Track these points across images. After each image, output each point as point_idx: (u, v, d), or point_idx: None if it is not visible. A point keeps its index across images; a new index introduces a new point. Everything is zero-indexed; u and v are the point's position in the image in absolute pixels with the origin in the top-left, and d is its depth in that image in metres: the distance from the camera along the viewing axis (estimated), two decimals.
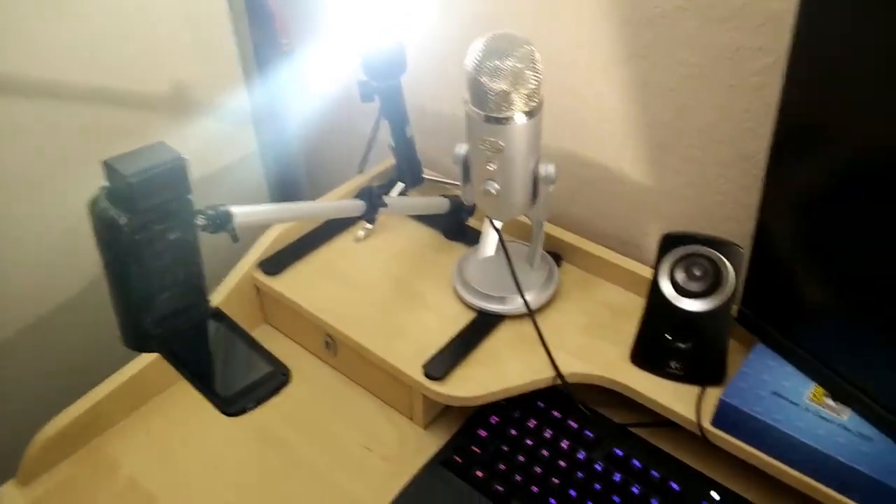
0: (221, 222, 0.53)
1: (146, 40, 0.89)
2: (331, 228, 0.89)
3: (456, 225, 0.88)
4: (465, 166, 0.70)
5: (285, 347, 0.84)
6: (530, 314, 0.73)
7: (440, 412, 0.75)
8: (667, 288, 0.66)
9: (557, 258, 0.83)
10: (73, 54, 0.83)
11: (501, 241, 0.75)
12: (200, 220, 0.51)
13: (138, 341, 0.50)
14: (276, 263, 0.83)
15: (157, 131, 0.94)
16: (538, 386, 0.70)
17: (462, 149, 0.70)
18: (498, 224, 0.77)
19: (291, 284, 0.81)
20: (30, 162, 0.82)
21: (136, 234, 0.46)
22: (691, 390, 0.67)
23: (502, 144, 0.65)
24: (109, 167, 0.45)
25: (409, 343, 0.73)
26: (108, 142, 0.88)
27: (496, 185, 0.68)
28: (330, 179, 1.04)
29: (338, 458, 0.71)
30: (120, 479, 0.70)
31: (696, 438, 0.65)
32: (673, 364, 0.67)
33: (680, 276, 0.66)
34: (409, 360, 0.71)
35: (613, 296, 0.79)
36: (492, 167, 0.67)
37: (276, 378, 0.47)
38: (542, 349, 0.72)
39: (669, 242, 0.65)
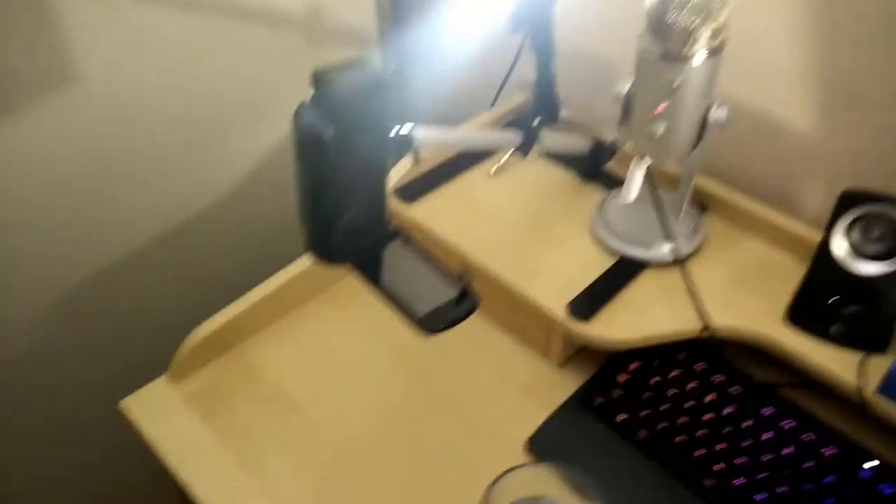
0: (410, 140, 0.52)
1: None
2: (462, 162, 0.88)
3: (593, 167, 0.85)
4: (627, 106, 0.68)
5: None
6: (678, 262, 0.71)
7: (574, 353, 0.74)
8: (840, 248, 0.63)
9: (702, 208, 0.80)
10: None
11: (652, 184, 0.73)
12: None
13: (326, 253, 0.50)
14: (411, 191, 0.83)
15: (290, 54, 0.93)
16: (685, 336, 0.68)
17: (626, 86, 0.67)
18: (645, 167, 0.75)
19: (427, 213, 0.81)
20: (165, 71, 0.83)
21: (337, 147, 0.45)
22: (851, 356, 0.64)
23: (677, 83, 0.62)
24: (319, 77, 0.45)
25: (549, 281, 0.72)
26: (242, 55, 0.88)
27: (663, 126, 0.65)
28: (455, 113, 1.02)
29: (475, 388, 0.72)
30: (265, 385, 0.73)
31: (849, 406, 0.63)
32: (835, 327, 0.64)
33: (855, 237, 0.63)
34: (551, 297, 0.70)
35: (763, 252, 0.76)
36: (661, 107, 0.64)
37: (467, 301, 0.47)
38: (687, 300, 0.70)
39: (849, 200, 0.62)
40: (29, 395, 0.87)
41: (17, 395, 0.85)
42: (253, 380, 0.73)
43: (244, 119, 0.93)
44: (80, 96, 0.75)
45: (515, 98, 0.95)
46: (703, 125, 0.66)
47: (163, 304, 0.95)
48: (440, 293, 0.47)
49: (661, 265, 0.74)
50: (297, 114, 0.46)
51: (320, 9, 0.95)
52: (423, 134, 0.54)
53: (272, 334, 0.77)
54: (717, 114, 0.65)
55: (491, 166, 0.87)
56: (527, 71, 0.88)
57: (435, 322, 0.45)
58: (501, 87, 0.93)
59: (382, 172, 0.50)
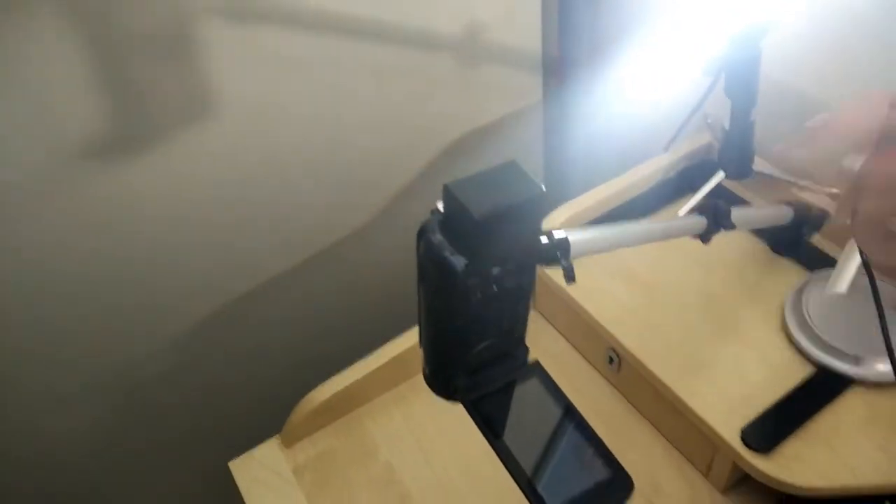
0: (559, 255, 0.41)
1: None
2: (624, 213, 0.75)
3: (790, 238, 0.69)
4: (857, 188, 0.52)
5: (555, 345, 0.74)
6: None
7: (745, 475, 0.61)
8: None
9: None
10: None
11: (871, 279, 0.56)
12: None
13: (445, 390, 0.41)
14: None
15: (444, 73, 0.85)
16: None
17: (856, 162, 0.51)
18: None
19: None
20: (312, 97, 0.77)
21: (470, 282, 0.36)
22: None
23: None
24: (450, 194, 0.35)
25: (720, 388, 0.59)
26: (394, 81, 0.81)
27: None
28: (620, 149, 0.89)
29: None
30: (377, 463, 0.66)
31: None
32: None
33: None
34: (719, 412, 0.57)
35: None
36: None
37: (616, 489, 0.36)
38: None
39: None
40: (138, 431, 0.86)
41: (126, 427, 0.85)
42: (365, 455, 0.67)
43: (388, 152, 0.86)
44: (221, 124, 0.71)
45: (696, 138, 0.81)
46: None
47: (286, 344, 0.91)
48: (582, 469, 0.37)
49: (877, 386, 0.58)
50: (422, 232, 0.37)
51: (481, 28, 0.85)
52: (579, 239, 0.43)
53: (388, 402, 0.70)
54: None
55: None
56: (713, 107, 0.74)
57: None
58: (681, 129, 0.78)
59: (523, 299, 0.40)
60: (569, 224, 0.73)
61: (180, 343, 0.82)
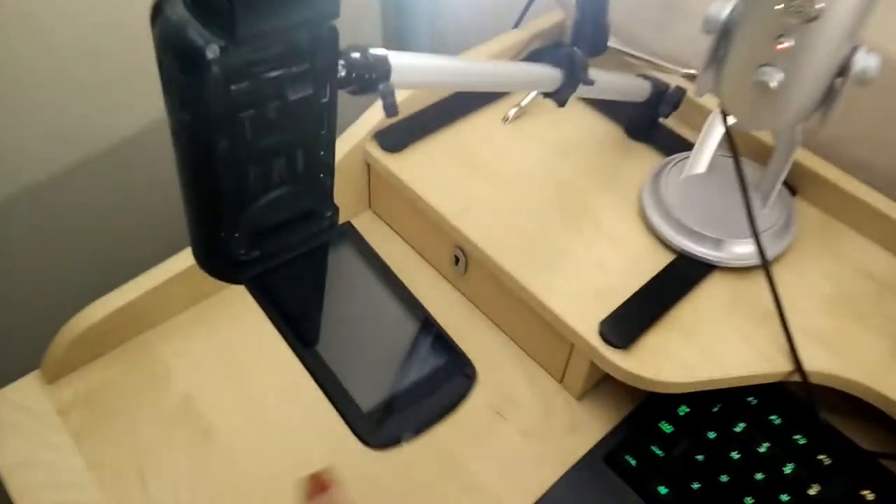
0: (374, 77, 0.30)
1: None
2: (465, 102, 0.65)
3: (646, 120, 0.63)
4: (722, 38, 0.45)
5: (395, 248, 0.64)
6: (765, 271, 0.50)
7: (601, 379, 0.54)
8: None
9: (790, 190, 0.59)
10: None
11: (736, 156, 0.50)
12: (341, 71, 0.28)
13: (219, 265, 0.29)
14: (396, 137, 0.61)
15: None
16: (767, 380, 0.48)
17: (726, 8, 0.44)
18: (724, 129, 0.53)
19: (415, 169, 0.59)
20: None
21: (232, 83, 0.24)
22: None
23: (820, 6, 0.39)
24: None
25: (575, 281, 0.52)
26: None
27: (780, 75, 0.43)
28: (464, 30, 0.79)
29: (460, 422, 0.52)
30: (170, 394, 0.53)
31: None
32: None
33: None
34: (575, 306, 0.50)
35: (874, 258, 0.55)
36: (784, 44, 0.41)
37: (455, 380, 0.26)
38: (773, 324, 0.49)
39: None
40: None
41: None
42: (152, 386, 0.53)
43: None
44: None
45: (549, 17, 0.72)
46: (840, 76, 0.44)
47: (51, 273, 0.72)
48: (411, 359, 0.26)
49: (737, 270, 0.53)
50: (155, 8, 0.24)
51: None
52: (404, 63, 0.32)
53: (183, 324, 0.57)
54: (866, 62, 0.42)
55: (505, 109, 0.65)
56: None
57: (389, 424, 0.25)
58: (528, 4, 0.69)
59: (323, 125, 0.28)
60: (402, 105, 0.62)
61: None
